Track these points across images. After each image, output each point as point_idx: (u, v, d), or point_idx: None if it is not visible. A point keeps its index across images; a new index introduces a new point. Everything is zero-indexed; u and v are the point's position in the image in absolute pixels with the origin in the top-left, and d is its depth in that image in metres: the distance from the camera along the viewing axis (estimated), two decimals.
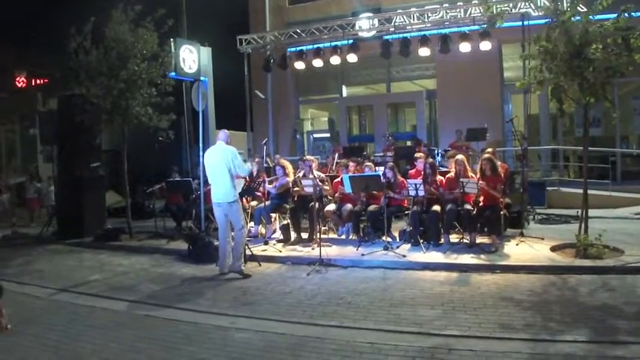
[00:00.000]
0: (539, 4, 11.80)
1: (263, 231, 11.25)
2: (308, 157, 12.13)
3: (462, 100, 17.05)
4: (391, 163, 10.89)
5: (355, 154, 13.47)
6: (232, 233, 8.84)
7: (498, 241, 9.44)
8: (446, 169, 11.23)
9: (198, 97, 11.35)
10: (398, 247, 9.58)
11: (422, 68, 19.39)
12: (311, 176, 10.47)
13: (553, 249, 8.98)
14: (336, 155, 13.47)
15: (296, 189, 10.90)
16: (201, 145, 10.77)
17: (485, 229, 9.73)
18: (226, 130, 8.79)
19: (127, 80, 11.64)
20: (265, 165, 12.00)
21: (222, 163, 8.39)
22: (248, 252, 9.07)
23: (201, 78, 11.71)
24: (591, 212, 9.11)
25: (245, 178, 10.00)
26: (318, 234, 9.63)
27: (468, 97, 16.92)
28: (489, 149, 10.94)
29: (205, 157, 8.72)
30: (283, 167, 11.10)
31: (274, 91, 19.85)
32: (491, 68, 17.10)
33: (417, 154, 11.42)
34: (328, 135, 20.89)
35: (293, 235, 10.75)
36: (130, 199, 12.84)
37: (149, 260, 10.28)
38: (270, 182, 11.16)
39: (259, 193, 11.23)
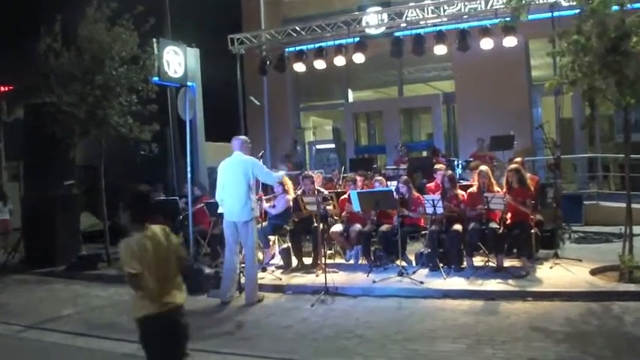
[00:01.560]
0: None
1: (260, 256, 11.02)
2: (309, 172, 12.12)
3: (485, 103, 17.01)
4: (405, 177, 10.90)
5: (364, 168, 13.40)
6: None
7: (529, 263, 9.35)
8: (467, 183, 11.24)
9: (185, 104, 11.34)
10: (414, 272, 9.52)
11: (438, 68, 19.44)
12: (313, 194, 10.44)
13: (593, 272, 8.87)
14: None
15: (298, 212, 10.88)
16: (188, 159, 10.78)
17: (514, 251, 9.67)
18: (242, 138, 8.89)
19: (104, 86, 11.63)
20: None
21: (240, 177, 8.53)
22: (243, 279, 9.08)
23: (189, 83, 11.68)
24: (636, 229, 9.00)
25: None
26: (323, 259, 9.61)
27: (491, 101, 16.87)
28: (517, 159, 10.96)
29: (220, 169, 8.83)
30: (282, 184, 10.97)
31: (271, 97, 19.92)
32: (517, 67, 17.09)
33: (437, 166, 11.41)
34: (333, 146, 20.82)
35: (294, 261, 10.71)
36: (108, 221, 12.75)
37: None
38: (268, 200, 11.11)
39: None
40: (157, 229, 4.59)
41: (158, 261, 4.45)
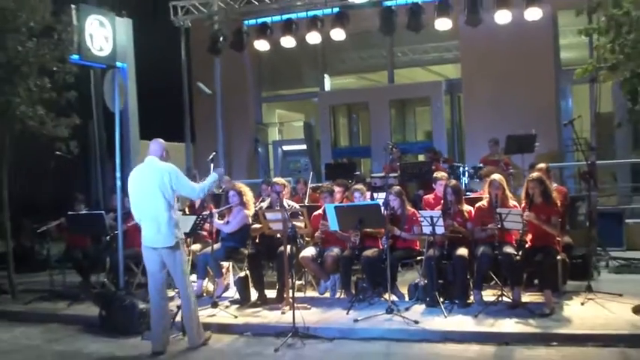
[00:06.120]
0: None
1: (210, 288, 11.19)
2: (276, 179, 12.07)
3: (499, 94, 17.07)
4: (397, 188, 10.89)
5: (344, 175, 13.38)
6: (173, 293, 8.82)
7: (555, 299, 9.30)
8: (476, 195, 11.29)
9: (113, 91, 11.18)
10: (407, 308, 9.55)
11: (440, 48, 19.61)
12: (279, 208, 10.37)
13: (636, 310, 8.81)
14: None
15: (257, 226, 10.86)
16: (118, 161, 10.73)
17: (535, 282, 9.74)
18: (160, 141, 8.81)
19: (7, 65, 11.49)
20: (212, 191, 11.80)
21: (155, 190, 8.42)
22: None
23: (118, 64, 11.39)
24: None
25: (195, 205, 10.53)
26: (291, 291, 9.47)
27: (507, 90, 16.95)
28: (540, 165, 10.93)
29: (130, 181, 8.72)
30: (239, 194, 11.04)
31: (225, 84, 19.76)
32: (541, 47, 17.11)
33: (436, 174, 11.44)
34: (304, 147, 20.88)
35: (254, 294, 10.67)
36: (12, 241, 12.57)
37: (42, 332, 10.11)
38: (221, 216, 11.08)
39: (204, 233, 11.17)
40: None
41: None
